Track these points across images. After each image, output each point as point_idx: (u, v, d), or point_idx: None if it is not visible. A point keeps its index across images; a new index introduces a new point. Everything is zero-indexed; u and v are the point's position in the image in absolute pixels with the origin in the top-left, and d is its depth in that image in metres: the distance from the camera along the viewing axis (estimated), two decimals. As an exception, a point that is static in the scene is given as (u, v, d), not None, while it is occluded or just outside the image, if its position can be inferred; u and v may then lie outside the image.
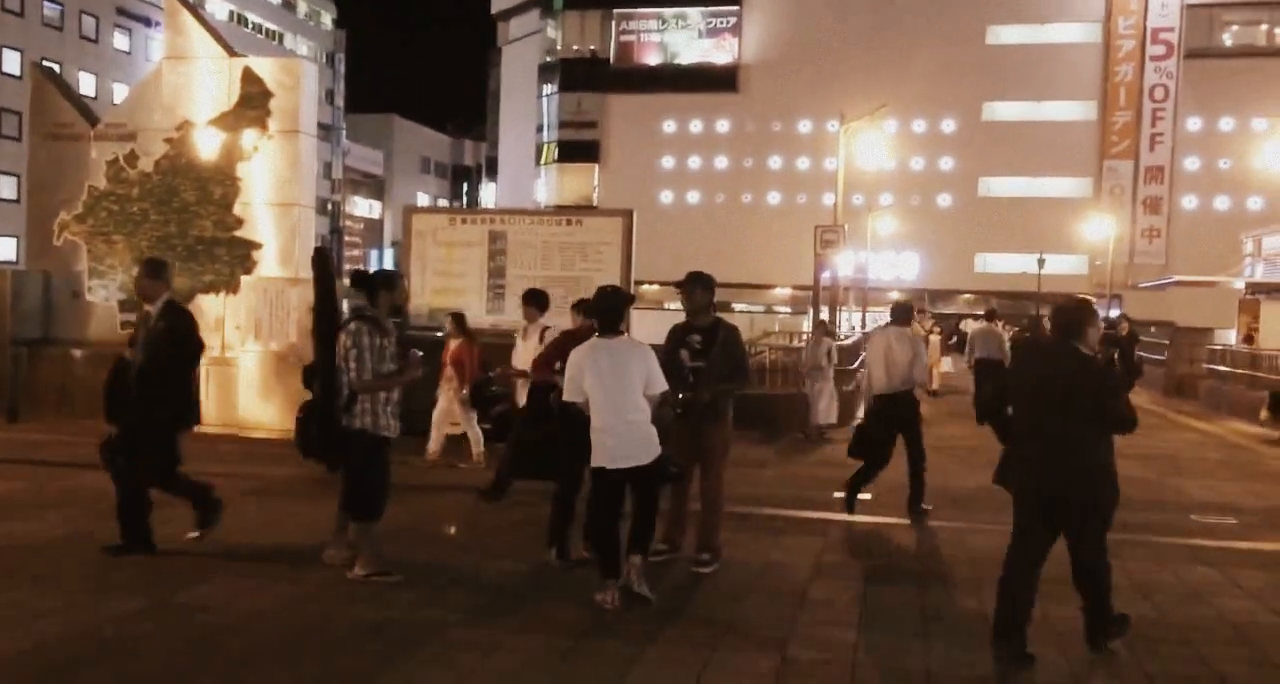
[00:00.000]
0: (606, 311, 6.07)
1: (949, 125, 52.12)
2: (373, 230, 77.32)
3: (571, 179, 56.02)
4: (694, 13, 54.94)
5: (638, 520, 5.94)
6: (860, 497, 8.65)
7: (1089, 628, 5.27)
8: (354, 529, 6.17)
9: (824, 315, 22.04)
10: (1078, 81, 50.78)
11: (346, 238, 75.15)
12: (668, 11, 55.22)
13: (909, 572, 6.87)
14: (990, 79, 50.59)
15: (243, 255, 12.76)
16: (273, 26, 67.53)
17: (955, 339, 20.67)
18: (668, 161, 55.15)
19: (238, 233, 12.79)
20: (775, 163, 53.99)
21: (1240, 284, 24.80)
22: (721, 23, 54.62)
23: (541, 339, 8.41)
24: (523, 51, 62.34)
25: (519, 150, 62.49)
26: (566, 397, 6.00)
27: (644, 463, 5.87)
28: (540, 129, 59.18)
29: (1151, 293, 39.70)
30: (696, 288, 6.79)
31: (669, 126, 54.94)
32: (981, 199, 52.09)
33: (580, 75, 55.95)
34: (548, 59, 58.58)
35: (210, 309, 12.69)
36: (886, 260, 49.67)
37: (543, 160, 58.71)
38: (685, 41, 55.27)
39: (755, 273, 49.41)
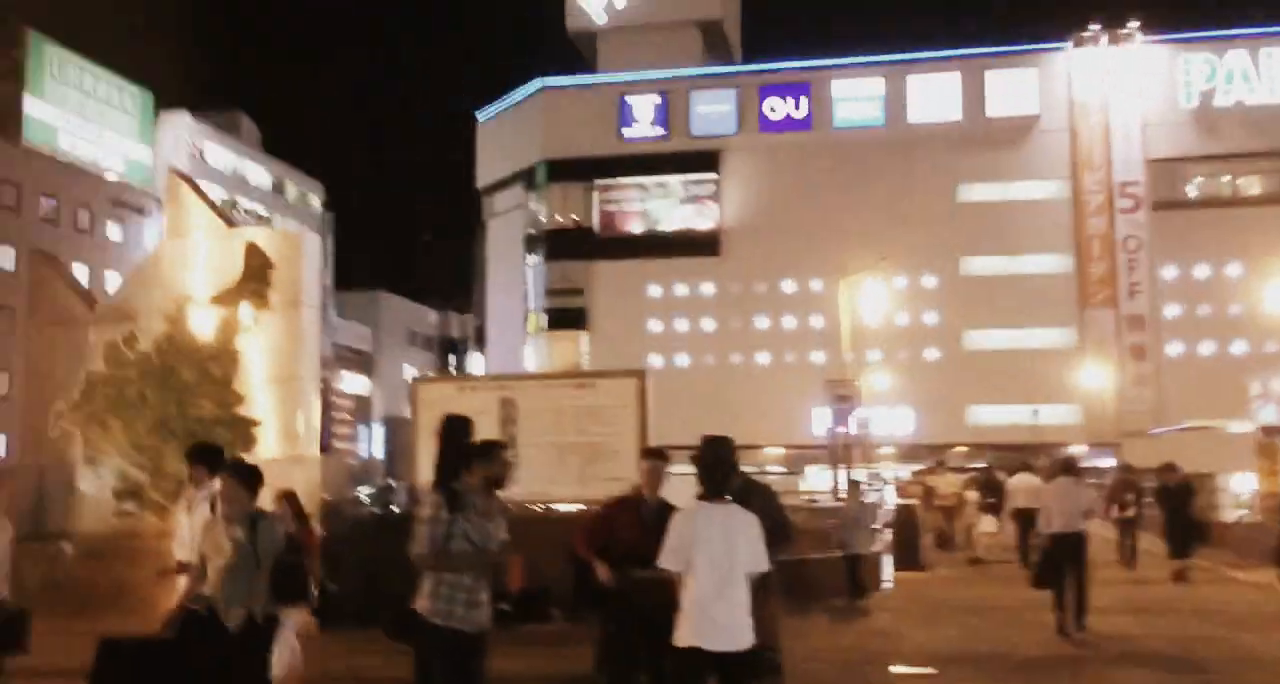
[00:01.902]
0: (714, 468, 5.36)
1: (930, 280, 52.93)
2: (362, 407, 76.93)
3: (560, 346, 56.16)
4: (674, 181, 56.51)
5: None
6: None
7: None
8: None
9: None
10: (1052, 235, 51.90)
11: (335, 415, 74.56)
12: (648, 180, 56.81)
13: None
14: (965, 235, 51.66)
15: (244, 434, 12.26)
16: (263, 211, 69.02)
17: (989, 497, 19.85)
18: (655, 325, 55.53)
19: (238, 410, 12.33)
20: (762, 323, 54.46)
21: (1249, 427, 24.49)
22: (701, 190, 56.13)
23: (213, 508, 6.14)
24: (507, 224, 63.68)
25: (506, 320, 62.96)
26: (664, 562, 5.33)
27: (742, 647, 5.27)
28: (526, 298, 59.84)
29: (1146, 440, 39.46)
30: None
31: (654, 291, 55.60)
32: (968, 352, 52.39)
33: (565, 245, 57.02)
34: (532, 231, 59.81)
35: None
36: (881, 416, 49.42)
37: (531, 329, 59.09)
38: (666, 209, 56.62)
39: (748, 433, 48.83)
